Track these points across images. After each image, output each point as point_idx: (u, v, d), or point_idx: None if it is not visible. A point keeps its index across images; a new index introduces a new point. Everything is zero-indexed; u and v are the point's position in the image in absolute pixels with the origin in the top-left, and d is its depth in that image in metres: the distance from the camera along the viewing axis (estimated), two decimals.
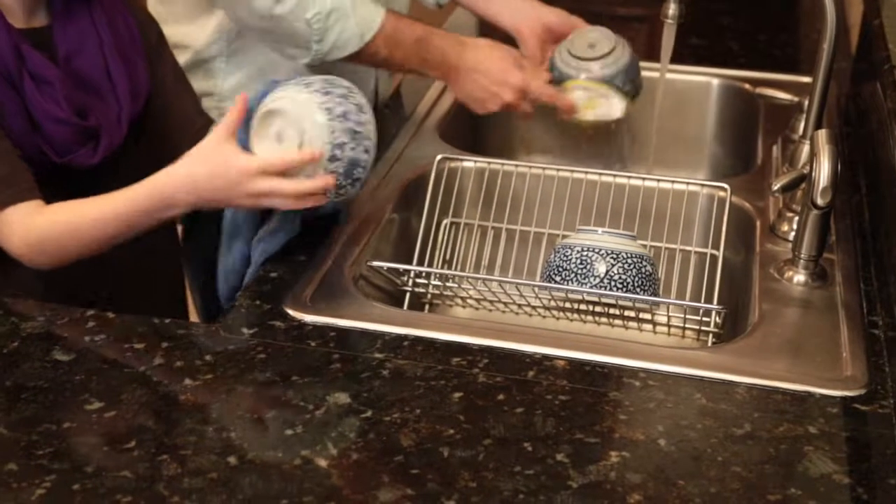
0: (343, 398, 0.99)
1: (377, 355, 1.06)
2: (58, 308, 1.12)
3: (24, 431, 0.94)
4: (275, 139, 1.13)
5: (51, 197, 1.19)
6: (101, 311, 1.11)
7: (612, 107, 1.53)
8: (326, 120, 1.12)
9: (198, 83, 1.48)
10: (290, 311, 1.12)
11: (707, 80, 1.79)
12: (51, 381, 1.00)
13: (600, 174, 1.41)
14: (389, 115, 1.67)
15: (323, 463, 0.91)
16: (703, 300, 1.27)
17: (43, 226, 1.17)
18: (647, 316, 1.27)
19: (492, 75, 1.47)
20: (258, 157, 1.13)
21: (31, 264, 1.19)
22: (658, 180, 1.39)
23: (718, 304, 1.22)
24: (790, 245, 1.24)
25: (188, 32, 1.51)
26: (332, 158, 1.13)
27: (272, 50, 1.47)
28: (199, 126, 1.34)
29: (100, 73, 1.26)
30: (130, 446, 0.92)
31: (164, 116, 1.34)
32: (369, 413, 0.97)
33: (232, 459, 0.91)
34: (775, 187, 1.22)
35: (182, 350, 1.06)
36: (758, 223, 1.33)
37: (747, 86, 1.75)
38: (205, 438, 0.94)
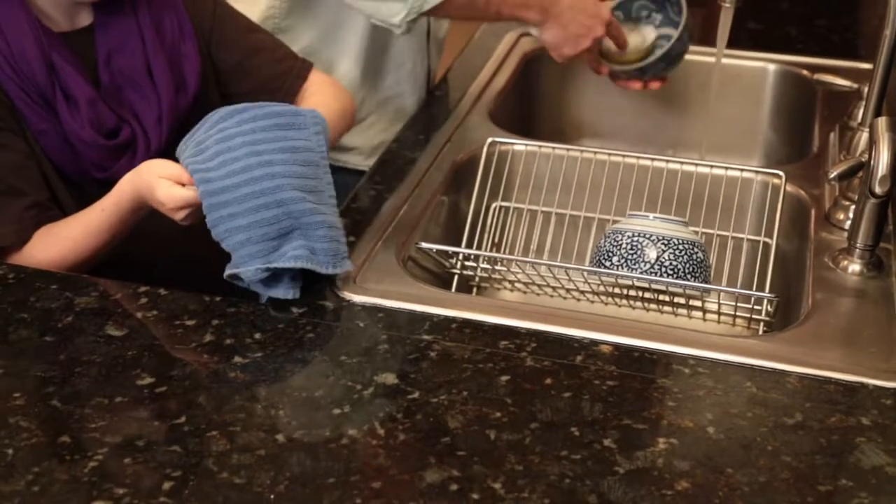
0: (391, 378, 1.00)
1: (425, 337, 1.06)
2: (111, 283, 1.14)
3: (77, 405, 0.96)
4: None
5: None
6: (153, 288, 1.13)
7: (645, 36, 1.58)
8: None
9: None
10: (339, 291, 1.13)
11: (763, 65, 1.76)
12: (103, 356, 1.02)
13: (652, 159, 1.39)
14: (440, 98, 1.67)
15: (370, 442, 0.92)
16: (754, 288, 1.25)
17: (40, 257, 1.20)
18: (698, 303, 1.26)
19: (588, 9, 1.51)
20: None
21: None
22: (711, 166, 1.37)
23: (770, 292, 1.20)
24: (846, 234, 1.22)
25: (241, 10, 1.52)
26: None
27: (365, 12, 1.45)
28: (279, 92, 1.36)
29: (141, 71, 1.26)
30: (181, 421, 0.94)
31: (217, 104, 1.35)
32: (416, 394, 0.97)
33: (280, 437, 0.92)
34: (832, 175, 1.20)
35: (232, 328, 1.07)
36: (812, 211, 1.31)
37: (805, 72, 1.72)
38: (254, 416, 0.94)
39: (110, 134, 1.22)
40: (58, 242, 1.20)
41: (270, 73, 1.38)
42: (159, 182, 1.14)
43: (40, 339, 1.05)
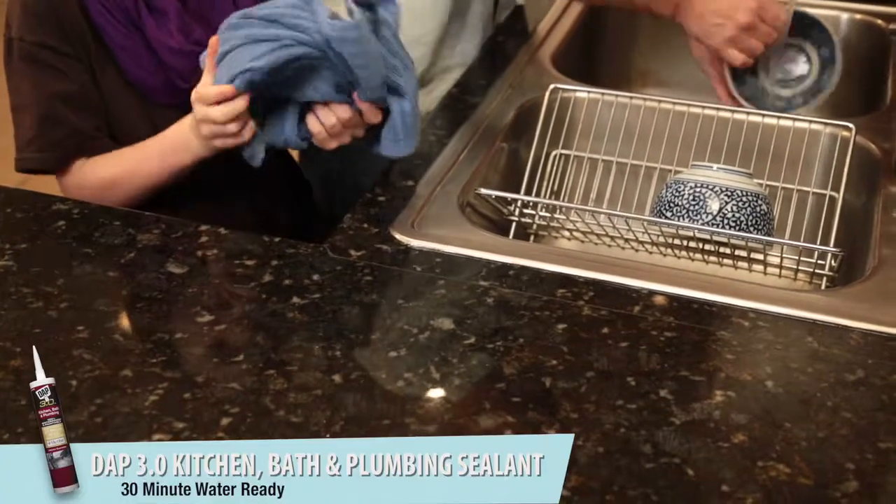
0: (447, 323, 1.00)
1: (482, 283, 1.06)
2: (173, 221, 1.15)
3: (138, 339, 0.97)
4: None
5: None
6: (213, 227, 1.14)
7: None
8: None
9: None
10: (397, 235, 1.13)
11: (836, 14, 1.71)
12: (164, 293, 1.03)
13: (717, 109, 1.36)
14: (502, 44, 1.64)
15: (425, 386, 0.92)
16: (818, 243, 1.23)
17: (92, 178, 1.23)
18: (759, 256, 1.24)
19: None
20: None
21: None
22: (778, 117, 1.34)
23: (835, 247, 1.18)
24: None
25: None
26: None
27: None
28: None
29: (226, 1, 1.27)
30: (239, 359, 0.95)
31: None
32: (472, 339, 0.98)
33: (336, 378, 0.93)
34: None
35: (291, 268, 1.07)
36: (882, 165, 1.28)
37: (880, 21, 1.67)
38: (311, 356, 0.95)
39: (197, 44, 1.24)
40: (111, 160, 1.23)
41: None
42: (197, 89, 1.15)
43: (104, 274, 1.06)
